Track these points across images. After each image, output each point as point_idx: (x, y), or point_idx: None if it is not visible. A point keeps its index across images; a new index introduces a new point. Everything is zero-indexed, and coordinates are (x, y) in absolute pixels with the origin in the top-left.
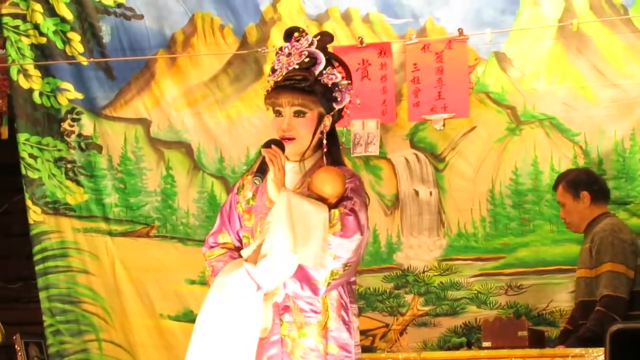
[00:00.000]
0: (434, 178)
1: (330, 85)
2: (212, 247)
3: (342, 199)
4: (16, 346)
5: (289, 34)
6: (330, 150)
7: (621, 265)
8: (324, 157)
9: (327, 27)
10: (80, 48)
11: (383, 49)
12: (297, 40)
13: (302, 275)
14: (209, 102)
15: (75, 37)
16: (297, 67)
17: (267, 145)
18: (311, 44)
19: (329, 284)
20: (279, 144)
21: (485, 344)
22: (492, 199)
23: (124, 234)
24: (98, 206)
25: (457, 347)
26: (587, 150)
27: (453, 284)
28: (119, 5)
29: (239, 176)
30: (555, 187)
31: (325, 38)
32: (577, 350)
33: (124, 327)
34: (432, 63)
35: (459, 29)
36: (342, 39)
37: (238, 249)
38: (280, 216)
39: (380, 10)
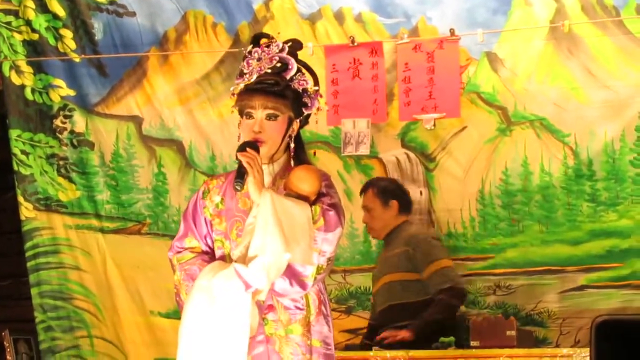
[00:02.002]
0: (425, 178)
1: (300, 91)
2: (178, 252)
3: (319, 195)
4: (5, 342)
5: (256, 40)
6: (298, 153)
7: (449, 260)
8: (292, 160)
9: (320, 26)
10: (72, 45)
11: (374, 49)
12: (267, 46)
13: (291, 273)
14: (201, 99)
15: (67, 33)
16: (269, 71)
17: (242, 148)
18: (282, 50)
19: (315, 278)
20: (253, 145)
21: (474, 343)
22: (482, 199)
23: (115, 231)
24: (90, 203)
25: (446, 346)
26: (577, 151)
27: None
28: (112, 2)
29: None
30: (363, 192)
31: (295, 44)
32: (565, 350)
33: (115, 323)
34: (423, 63)
35: (450, 29)
36: (334, 38)
37: (206, 253)
38: (267, 216)
39: (373, 10)
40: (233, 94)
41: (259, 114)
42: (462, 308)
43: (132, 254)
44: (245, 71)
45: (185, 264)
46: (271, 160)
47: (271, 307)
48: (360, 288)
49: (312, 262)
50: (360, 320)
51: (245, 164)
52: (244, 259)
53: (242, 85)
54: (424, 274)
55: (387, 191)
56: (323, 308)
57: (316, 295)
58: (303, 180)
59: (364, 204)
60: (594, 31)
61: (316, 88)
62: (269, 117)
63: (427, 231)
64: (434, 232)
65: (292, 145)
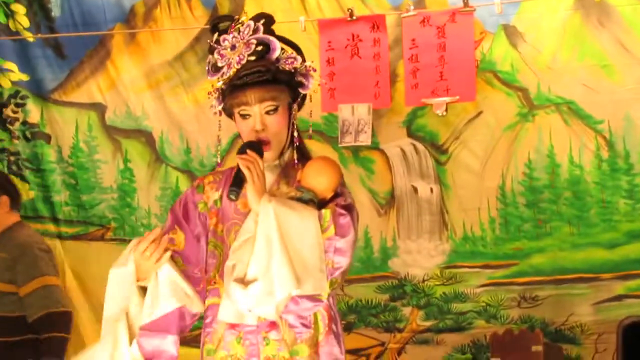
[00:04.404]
0: (435, 172)
1: (292, 71)
2: None
3: (334, 194)
4: None
5: (215, 26)
6: (300, 142)
7: (55, 278)
8: (295, 152)
9: None
10: (25, 22)
11: (376, 23)
12: (237, 30)
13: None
14: (173, 83)
15: (19, 9)
16: (251, 58)
17: (242, 150)
18: (256, 29)
19: (328, 294)
20: (255, 147)
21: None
22: (503, 197)
23: (75, 237)
24: (46, 205)
25: None
26: (612, 140)
27: (458, 295)
28: None
29: (209, 170)
30: None
31: (269, 19)
32: None
33: (75, 343)
34: (432, 39)
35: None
36: (327, 11)
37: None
38: (271, 236)
39: None
40: (212, 93)
41: (256, 109)
42: (482, 323)
43: (94, 263)
44: (220, 64)
45: None
46: (281, 155)
47: (273, 325)
48: (361, 301)
49: (323, 289)
50: (363, 339)
51: (243, 169)
52: (242, 277)
53: (221, 82)
54: (21, 290)
55: None
56: (333, 326)
57: (325, 311)
58: (321, 174)
59: None
60: None
61: (308, 63)
62: (269, 111)
63: (36, 239)
64: (42, 240)
65: (296, 134)
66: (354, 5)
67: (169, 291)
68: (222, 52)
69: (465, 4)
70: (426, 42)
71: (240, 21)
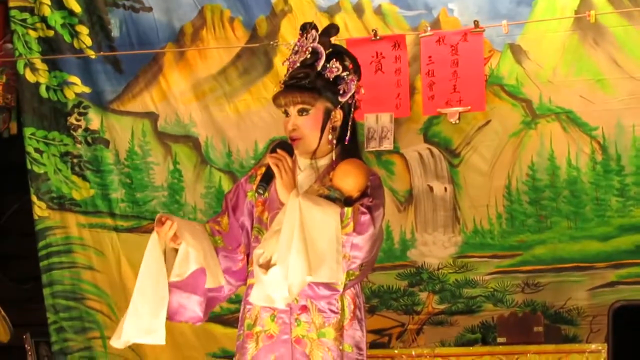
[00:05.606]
0: (449, 173)
1: (332, 79)
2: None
3: (362, 194)
4: (26, 345)
5: (301, 30)
6: (349, 145)
7: None
8: (334, 153)
9: (338, 19)
10: (88, 41)
11: (397, 42)
12: (304, 37)
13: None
14: (217, 95)
15: (83, 30)
16: (299, 65)
17: (273, 150)
18: (315, 39)
19: (345, 285)
20: (285, 146)
21: (500, 339)
22: (509, 195)
23: (130, 230)
24: (104, 201)
25: (472, 343)
26: (605, 145)
27: (468, 282)
28: None
29: (247, 170)
30: None
31: (329, 31)
32: (594, 346)
33: None
34: (447, 56)
35: (474, 21)
36: (353, 31)
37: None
38: (293, 226)
39: (393, 2)
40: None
41: (292, 110)
42: (490, 307)
43: None
44: (288, 68)
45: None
46: (314, 155)
47: (304, 308)
48: (383, 287)
49: (338, 279)
50: (385, 320)
51: (272, 166)
52: (267, 263)
53: (281, 84)
54: None
55: None
56: (358, 312)
57: (352, 299)
58: (348, 175)
59: None
60: (620, 21)
61: (348, 72)
62: (301, 112)
63: None
64: None
65: (331, 137)
66: (378, 26)
67: (195, 255)
68: (291, 56)
69: (476, 26)
70: (441, 59)
71: (309, 29)
